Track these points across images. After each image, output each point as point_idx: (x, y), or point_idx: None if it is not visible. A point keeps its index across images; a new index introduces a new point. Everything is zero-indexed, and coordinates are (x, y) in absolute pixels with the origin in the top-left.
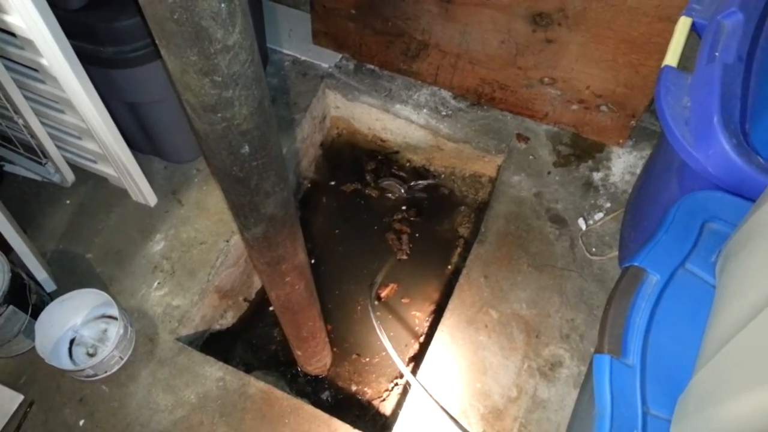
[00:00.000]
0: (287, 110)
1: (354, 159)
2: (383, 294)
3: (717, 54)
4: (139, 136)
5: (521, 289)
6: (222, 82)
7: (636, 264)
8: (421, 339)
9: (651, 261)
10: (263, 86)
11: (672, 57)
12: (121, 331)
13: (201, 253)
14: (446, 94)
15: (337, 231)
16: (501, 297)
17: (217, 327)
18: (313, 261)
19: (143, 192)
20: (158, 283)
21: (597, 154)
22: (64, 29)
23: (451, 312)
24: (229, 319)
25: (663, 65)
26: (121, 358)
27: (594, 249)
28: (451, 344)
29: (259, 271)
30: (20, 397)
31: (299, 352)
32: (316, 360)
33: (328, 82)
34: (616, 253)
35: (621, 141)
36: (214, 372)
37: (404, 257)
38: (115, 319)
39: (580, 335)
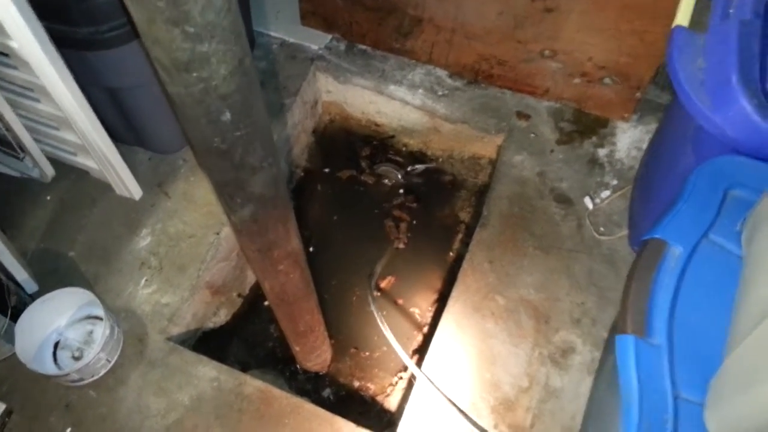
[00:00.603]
0: (276, 95)
1: (348, 145)
2: (382, 285)
3: (731, 11)
4: (121, 125)
5: (528, 273)
6: (195, 33)
7: (657, 236)
8: (425, 330)
9: (672, 232)
10: (243, 42)
11: (683, 17)
12: (108, 332)
13: (190, 248)
14: (442, 73)
15: (333, 219)
16: (507, 282)
17: (210, 325)
18: (311, 249)
19: (127, 185)
20: (146, 281)
21: (601, 130)
22: (34, 9)
23: (456, 299)
24: (222, 317)
25: (674, 25)
26: (109, 361)
27: (602, 228)
28: (456, 333)
29: (250, 259)
30: (1, 406)
31: (297, 348)
32: (316, 355)
33: (318, 65)
34: (625, 232)
35: (626, 115)
36: (208, 372)
37: (402, 246)
38: (101, 319)
39: (591, 319)
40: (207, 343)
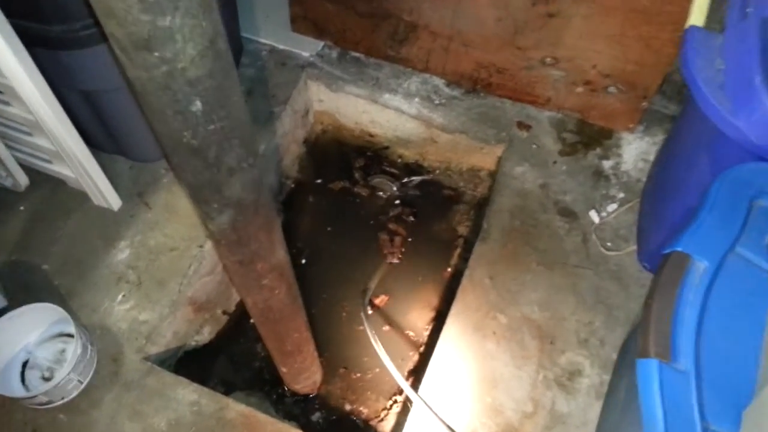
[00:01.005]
0: (265, 103)
1: (341, 156)
2: (376, 302)
3: (749, 10)
4: (99, 131)
5: (531, 290)
6: (155, 3)
7: (679, 249)
8: (421, 350)
9: (696, 245)
10: (215, 18)
11: (697, 16)
12: (79, 351)
13: (171, 261)
14: (439, 82)
15: (324, 232)
16: (509, 299)
17: (193, 344)
18: (303, 261)
19: (105, 195)
20: (123, 296)
21: (606, 141)
22: (1, 6)
23: (455, 318)
24: (206, 335)
25: (687, 25)
26: (81, 382)
27: (609, 243)
28: (455, 354)
29: (231, 272)
30: None
31: (284, 369)
32: (305, 377)
33: (309, 72)
34: (633, 247)
35: (631, 126)
36: (188, 395)
37: (396, 261)
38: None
39: (599, 340)
40: (189, 363)
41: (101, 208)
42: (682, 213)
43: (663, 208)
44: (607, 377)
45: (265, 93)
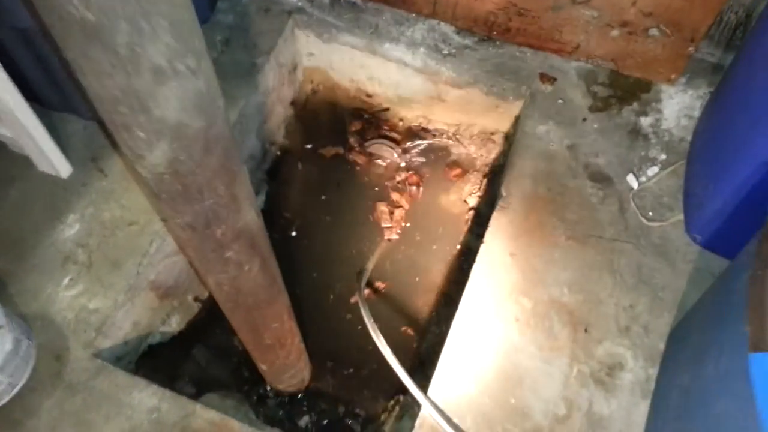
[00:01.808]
0: (245, 53)
1: (334, 119)
2: (374, 286)
3: None
4: (45, 83)
5: (560, 268)
6: None
7: None
8: (429, 341)
9: None
10: None
11: None
12: (9, 347)
13: (129, 238)
14: (448, 29)
15: (314, 205)
16: (535, 279)
17: (158, 336)
18: (293, 234)
19: (52, 159)
20: (70, 280)
21: (643, 95)
22: None
23: (469, 302)
24: (174, 325)
25: None
26: (13, 385)
27: (650, 213)
28: (470, 346)
29: (182, 243)
30: None
31: (265, 367)
32: (289, 375)
33: (297, 19)
34: (680, 216)
35: (674, 76)
36: (146, 399)
37: (395, 236)
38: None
39: (643, 326)
40: (154, 359)
41: (47, 176)
42: (747, 174)
43: (721, 170)
44: (653, 371)
45: (245, 43)
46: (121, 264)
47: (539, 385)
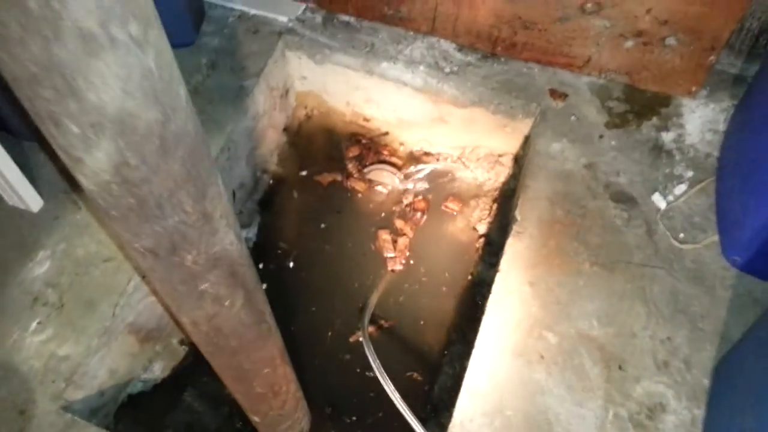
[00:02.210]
0: (233, 76)
1: (331, 146)
2: (380, 323)
3: None
4: (12, 110)
5: (587, 299)
6: None
7: None
8: (441, 384)
9: None
10: None
11: None
12: None
13: (105, 276)
14: (449, 46)
15: (312, 235)
16: (558, 312)
17: (140, 385)
18: (291, 265)
19: (21, 193)
20: (38, 324)
21: (662, 110)
22: None
23: (486, 339)
24: (157, 372)
25: None
26: None
27: (682, 235)
28: (490, 389)
29: (146, 272)
30: None
31: (256, 418)
32: (286, 427)
33: (288, 40)
34: (714, 237)
35: (694, 89)
36: None
37: (399, 267)
38: None
39: (684, 361)
40: (135, 409)
41: (16, 210)
42: None
43: (761, 185)
44: (699, 412)
45: (233, 65)
46: (95, 305)
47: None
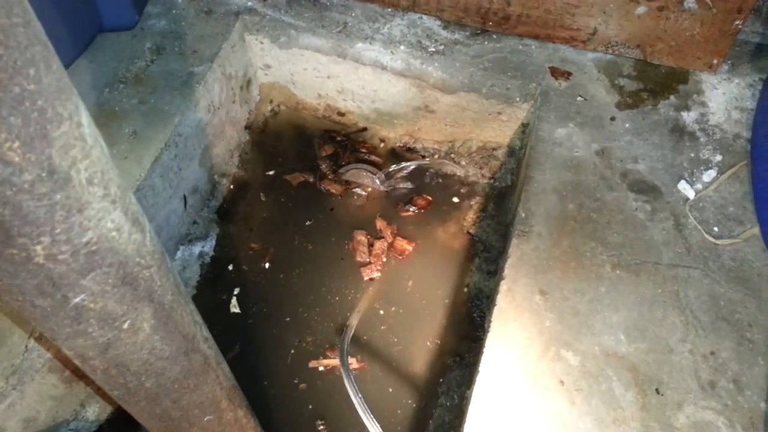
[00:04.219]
0: (181, 62)
1: (302, 144)
2: (355, 364)
3: None
4: None
5: (611, 308)
6: None
7: None
8: (439, 418)
9: None
10: None
11: None
12: None
13: None
14: (432, 23)
15: (278, 244)
16: (578, 325)
17: None
18: (266, 265)
19: None
20: None
21: (680, 87)
22: None
23: (491, 363)
24: (91, 417)
25: None
26: None
27: (715, 228)
28: (501, 424)
29: None
30: None
31: None
32: None
33: (247, 21)
34: (754, 230)
35: (715, 61)
36: None
37: (375, 275)
38: None
39: (733, 380)
40: None
41: None
42: None
43: None
44: None
45: (182, 50)
46: (2, 338)
47: None
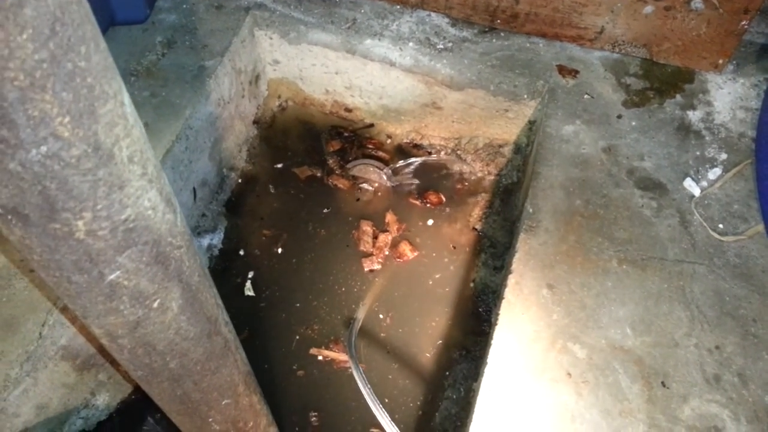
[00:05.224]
0: (192, 55)
1: (309, 140)
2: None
3: None
4: None
5: (617, 302)
6: None
7: None
8: (443, 410)
9: None
10: None
11: None
12: None
13: (31, 288)
14: (441, 20)
15: (286, 239)
16: (585, 319)
17: (79, 423)
18: (279, 251)
19: None
20: None
21: (686, 86)
22: None
23: (499, 355)
24: (101, 406)
25: None
26: None
27: (721, 225)
28: (508, 416)
29: (24, 253)
30: None
31: None
32: None
33: (256, 16)
34: (759, 227)
35: (721, 61)
36: None
37: (377, 266)
38: None
39: (737, 374)
40: None
41: None
42: None
43: None
44: None
45: (193, 44)
46: (17, 325)
47: None
